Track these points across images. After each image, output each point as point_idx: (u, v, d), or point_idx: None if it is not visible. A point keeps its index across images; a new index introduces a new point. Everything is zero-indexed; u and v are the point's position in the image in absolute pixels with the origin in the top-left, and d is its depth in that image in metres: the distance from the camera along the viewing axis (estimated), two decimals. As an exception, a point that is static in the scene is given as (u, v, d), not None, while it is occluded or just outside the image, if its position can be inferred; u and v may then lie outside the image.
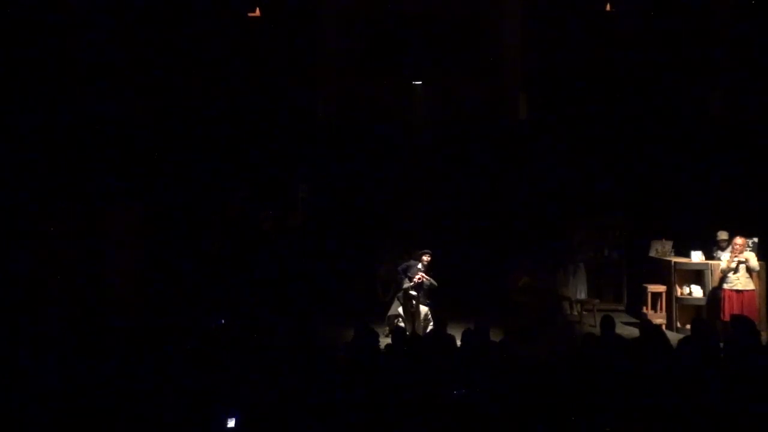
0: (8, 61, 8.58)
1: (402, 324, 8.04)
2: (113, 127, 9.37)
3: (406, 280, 8.36)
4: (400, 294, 8.44)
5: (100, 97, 9.39)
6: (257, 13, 10.27)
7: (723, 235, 8.85)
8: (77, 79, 9.22)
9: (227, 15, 10.51)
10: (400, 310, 8.34)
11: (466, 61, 11.07)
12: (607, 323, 6.02)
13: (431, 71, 10.98)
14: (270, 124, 10.79)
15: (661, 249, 9.68)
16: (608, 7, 10.31)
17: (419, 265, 8.44)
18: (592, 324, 9.23)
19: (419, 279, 8.21)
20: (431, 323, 8.22)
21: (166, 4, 10.03)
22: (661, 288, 9.33)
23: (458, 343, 5.79)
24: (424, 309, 8.27)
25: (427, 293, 8.39)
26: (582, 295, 10.30)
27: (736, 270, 8.11)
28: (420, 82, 11.05)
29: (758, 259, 8.39)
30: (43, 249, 8.51)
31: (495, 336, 6.04)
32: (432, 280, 8.35)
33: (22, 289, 8.15)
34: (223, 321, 5.80)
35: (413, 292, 8.24)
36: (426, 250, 8.58)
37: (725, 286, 8.18)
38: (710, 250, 8.99)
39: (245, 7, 10.34)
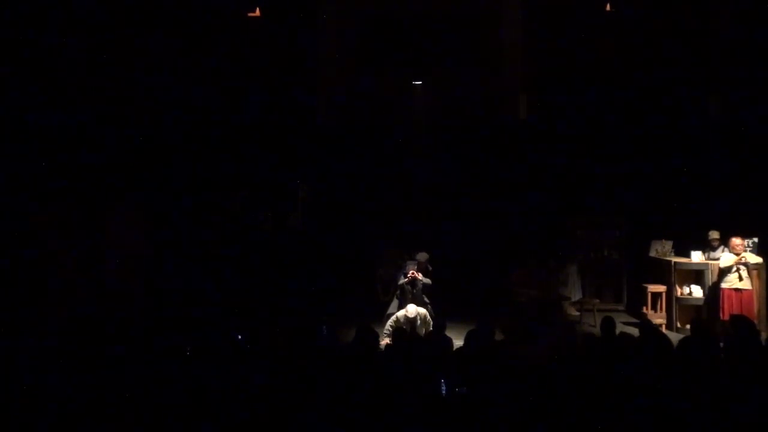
0: (8, 60, 8.58)
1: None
2: (113, 126, 9.38)
3: (402, 276, 8.45)
4: (400, 294, 8.48)
5: (99, 97, 9.39)
6: (257, 13, 10.27)
7: (714, 234, 8.87)
8: (77, 78, 9.22)
9: (227, 15, 10.50)
10: (401, 310, 8.34)
11: (466, 60, 11.07)
12: (608, 324, 6.02)
13: (432, 70, 10.98)
14: (270, 123, 10.79)
15: (661, 249, 9.69)
16: (608, 7, 10.31)
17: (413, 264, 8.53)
18: (592, 324, 9.24)
19: (411, 275, 8.28)
20: (430, 325, 8.22)
21: (166, 4, 10.03)
22: (661, 288, 9.34)
23: (460, 343, 5.79)
24: (422, 311, 8.27)
25: (424, 292, 8.39)
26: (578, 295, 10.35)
27: (735, 269, 8.13)
28: (420, 82, 11.05)
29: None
30: (43, 249, 8.51)
31: (495, 336, 6.05)
32: (425, 279, 8.38)
33: (23, 290, 8.15)
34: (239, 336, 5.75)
35: (407, 288, 8.31)
36: (423, 253, 8.63)
37: (724, 285, 8.20)
38: (704, 250, 9.01)
39: (245, 7, 10.34)
